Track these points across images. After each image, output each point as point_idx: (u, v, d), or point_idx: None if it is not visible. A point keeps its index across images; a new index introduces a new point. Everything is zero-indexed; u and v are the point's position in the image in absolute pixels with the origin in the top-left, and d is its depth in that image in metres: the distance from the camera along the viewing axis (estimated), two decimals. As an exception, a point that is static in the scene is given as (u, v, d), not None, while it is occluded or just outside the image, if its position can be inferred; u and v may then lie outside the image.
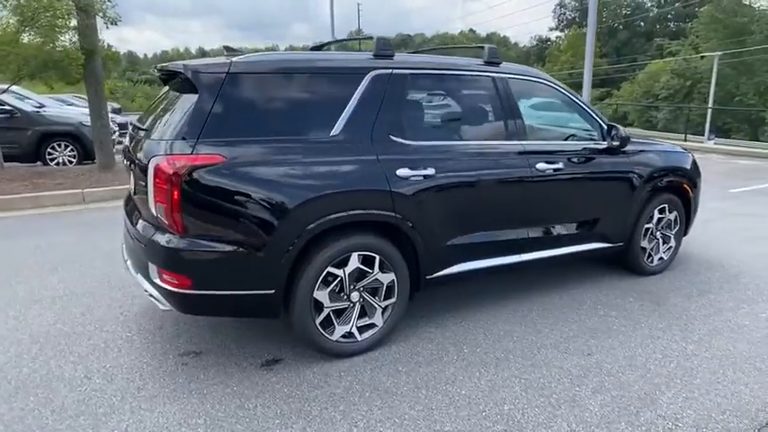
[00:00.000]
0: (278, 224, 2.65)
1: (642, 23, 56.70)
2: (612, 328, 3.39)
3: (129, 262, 3.14)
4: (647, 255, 4.29)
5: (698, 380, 2.78)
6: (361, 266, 2.91)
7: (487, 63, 3.46)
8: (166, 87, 3.25)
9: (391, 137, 2.97)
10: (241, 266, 2.67)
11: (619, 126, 3.82)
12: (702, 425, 2.41)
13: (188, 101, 2.67)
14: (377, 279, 2.98)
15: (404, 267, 3.04)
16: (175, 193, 2.48)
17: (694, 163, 4.50)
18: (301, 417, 2.45)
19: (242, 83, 2.69)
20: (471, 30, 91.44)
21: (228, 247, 2.60)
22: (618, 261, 4.33)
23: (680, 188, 4.33)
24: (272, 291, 2.72)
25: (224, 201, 2.59)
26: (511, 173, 3.39)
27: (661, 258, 4.39)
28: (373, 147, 2.91)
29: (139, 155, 2.80)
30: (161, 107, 3.09)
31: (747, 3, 39.80)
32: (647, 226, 4.20)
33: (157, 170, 2.53)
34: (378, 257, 2.93)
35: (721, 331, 3.35)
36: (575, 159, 3.68)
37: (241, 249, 2.62)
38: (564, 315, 3.58)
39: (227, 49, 3.32)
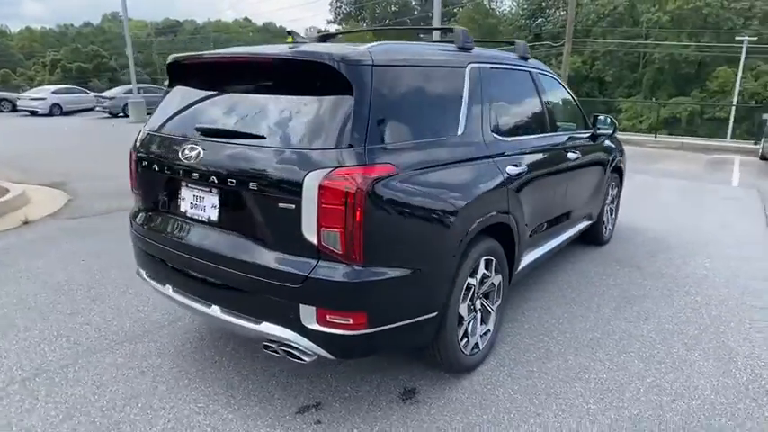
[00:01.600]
0: (446, 237, 2.40)
1: (409, 20, 63.01)
2: (637, 294, 3.94)
3: (209, 309, 2.41)
4: (605, 227, 5.04)
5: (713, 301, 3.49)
6: (485, 271, 2.81)
7: (521, 58, 3.60)
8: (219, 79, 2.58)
9: (493, 134, 2.92)
10: (414, 290, 2.33)
11: (601, 115, 4.39)
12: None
13: (326, 99, 2.18)
14: (492, 282, 2.91)
15: (506, 266, 3.03)
16: (357, 214, 2.03)
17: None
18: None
19: (386, 77, 2.30)
20: (246, 18, 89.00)
21: (404, 270, 2.24)
22: (584, 237, 4.97)
23: (620, 168, 5.18)
24: (436, 313, 2.45)
25: (401, 217, 2.22)
26: (560, 163, 3.65)
27: (610, 229, 5.20)
28: (486, 145, 2.82)
29: (243, 167, 2.19)
30: (236, 105, 2.45)
31: (493, 7, 47.63)
32: (606, 202, 4.93)
33: (326, 189, 2.02)
34: (494, 260, 2.87)
35: (694, 276, 4.21)
36: (581, 147, 4.10)
37: (416, 270, 2.29)
38: (591, 292, 4.01)
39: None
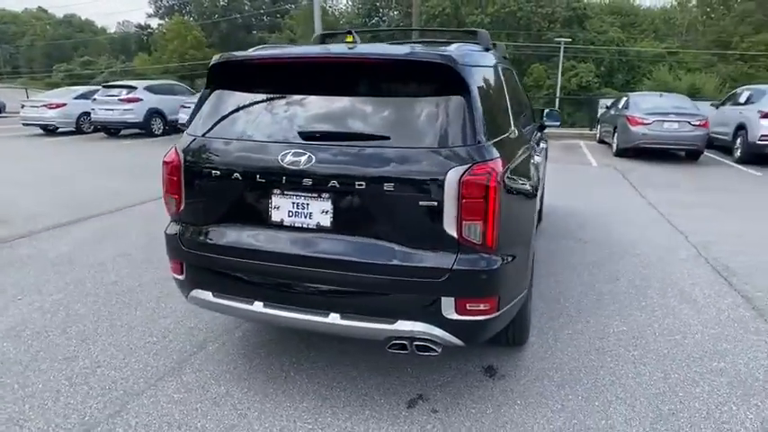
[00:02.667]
0: (532, 218, 2.69)
1: (238, 15, 60.99)
2: (596, 260, 4.66)
3: (327, 318, 2.36)
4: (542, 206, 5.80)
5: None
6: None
7: (485, 49, 3.89)
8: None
9: (516, 128, 3.26)
10: (521, 271, 2.58)
11: (547, 109, 5.04)
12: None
13: (443, 99, 2.30)
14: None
15: None
16: (495, 206, 2.20)
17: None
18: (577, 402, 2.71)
19: (481, 77, 2.51)
20: (41, 8, 77.80)
21: (516, 253, 2.47)
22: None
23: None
24: (526, 291, 2.72)
25: (513, 205, 2.44)
26: (539, 151, 4.16)
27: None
28: (520, 138, 3.15)
29: (373, 170, 2.22)
30: (336, 108, 2.42)
31: (330, 5, 48.47)
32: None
33: (469, 184, 2.15)
34: None
35: (625, 240, 5.12)
36: (543, 138, 4.69)
37: (522, 252, 2.54)
38: (562, 263, 4.64)
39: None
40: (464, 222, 2.19)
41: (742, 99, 11.00)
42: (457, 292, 2.24)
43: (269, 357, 3.02)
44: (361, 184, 2.22)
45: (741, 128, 10.34)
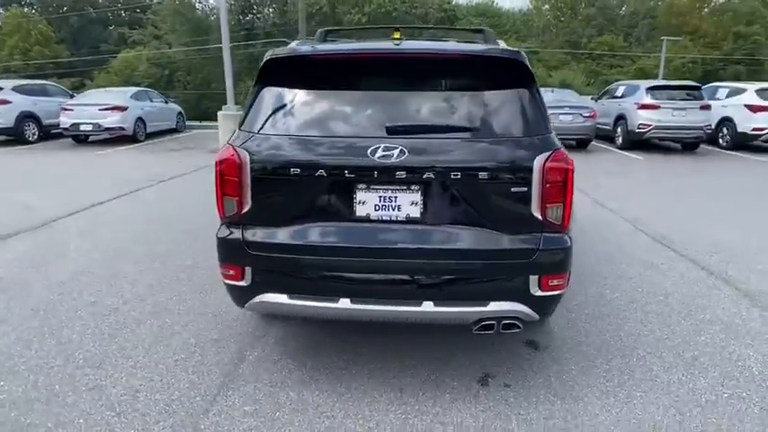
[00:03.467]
0: None
1: (92, 10, 55.50)
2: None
3: (419, 307, 2.41)
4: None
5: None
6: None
7: None
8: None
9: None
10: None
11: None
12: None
13: (513, 92, 2.46)
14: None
15: None
16: (570, 188, 2.43)
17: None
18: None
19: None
20: None
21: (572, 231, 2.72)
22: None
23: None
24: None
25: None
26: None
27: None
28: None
29: (467, 160, 2.33)
30: (413, 102, 2.47)
31: (201, 1, 46.04)
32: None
33: (552, 169, 2.34)
34: None
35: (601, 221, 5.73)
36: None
37: None
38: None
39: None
40: (548, 205, 2.39)
41: (619, 93, 12.63)
42: (542, 270, 2.43)
43: (320, 358, 2.97)
44: (454, 175, 2.32)
45: (621, 118, 11.89)
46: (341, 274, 2.45)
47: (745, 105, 11.46)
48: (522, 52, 2.53)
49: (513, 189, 2.35)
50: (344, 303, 2.43)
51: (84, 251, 4.79)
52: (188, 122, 16.71)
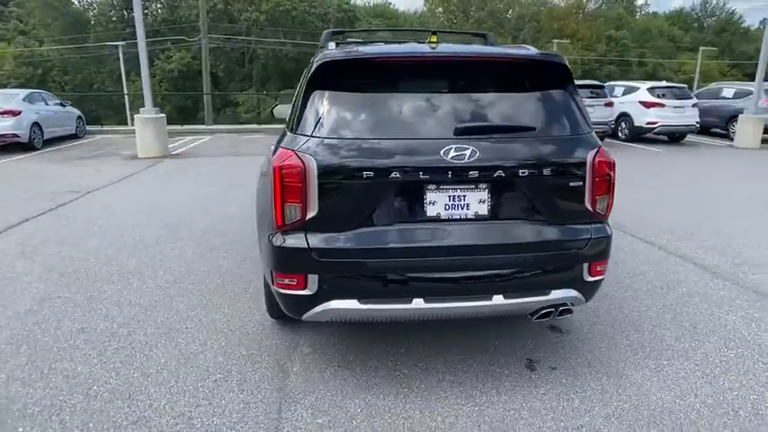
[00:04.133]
0: None
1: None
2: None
3: (490, 301, 2.50)
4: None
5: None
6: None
7: None
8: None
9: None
10: None
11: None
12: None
13: (558, 93, 2.63)
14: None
15: None
16: (614, 180, 2.65)
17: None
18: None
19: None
20: None
21: None
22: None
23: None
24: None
25: None
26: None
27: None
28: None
29: (533, 157, 2.47)
30: (469, 102, 2.54)
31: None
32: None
33: (602, 164, 2.55)
34: None
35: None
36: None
37: None
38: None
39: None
40: (597, 197, 2.59)
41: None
42: (592, 258, 2.64)
43: (367, 362, 2.95)
44: (521, 172, 2.44)
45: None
46: (414, 275, 2.47)
47: (640, 102, 12.89)
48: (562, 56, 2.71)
49: (570, 184, 2.52)
50: (418, 303, 2.45)
51: (38, 274, 4.27)
52: (88, 127, 15.26)
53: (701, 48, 35.20)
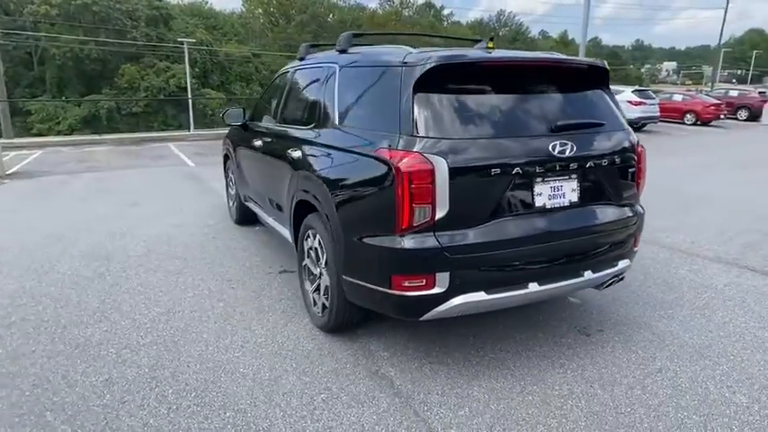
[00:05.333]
0: None
1: None
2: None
3: (582, 278, 2.89)
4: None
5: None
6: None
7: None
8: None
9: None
10: None
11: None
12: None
13: (601, 92, 3.13)
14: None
15: None
16: (643, 166, 3.25)
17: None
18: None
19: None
20: None
21: None
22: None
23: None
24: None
25: None
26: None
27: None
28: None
29: (609, 149, 2.97)
30: (547, 102, 2.91)
31: None
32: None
33: (642, 152, 3.14)
34: None
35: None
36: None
37: None
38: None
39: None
40: (639, 180, 3.17)
41: None
42: (637, 231, 3.21)
43: (451, 354, 3.10)
44: (602, 162, 2.89)
45: None
46: (530, 261, 2.74)
47: (627, 101, 16.77)
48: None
49: (630, 169, 3.05)
50: (534, 287, 2.74)
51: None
52: None
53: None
